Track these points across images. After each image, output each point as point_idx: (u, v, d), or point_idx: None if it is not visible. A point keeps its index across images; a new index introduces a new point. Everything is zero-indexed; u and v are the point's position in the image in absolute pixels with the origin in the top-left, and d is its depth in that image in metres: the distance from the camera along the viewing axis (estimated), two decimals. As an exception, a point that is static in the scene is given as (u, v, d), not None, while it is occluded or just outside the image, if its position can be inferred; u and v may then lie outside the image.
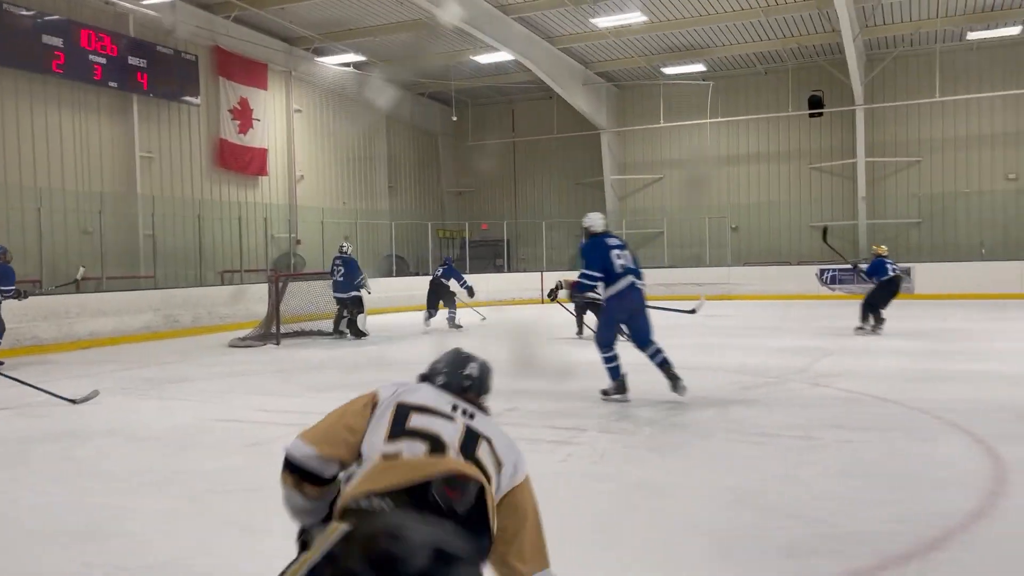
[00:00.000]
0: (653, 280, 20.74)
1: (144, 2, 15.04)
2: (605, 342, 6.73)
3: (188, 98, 16.38)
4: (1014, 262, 18.27)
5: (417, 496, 1.67)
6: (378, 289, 14.20)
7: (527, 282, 20.95)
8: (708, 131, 23.23)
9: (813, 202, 22.37)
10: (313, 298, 13.11)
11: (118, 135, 15.28)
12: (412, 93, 24.66)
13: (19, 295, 9.79)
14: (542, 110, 25.23)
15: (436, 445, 1.84)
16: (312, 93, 20.73)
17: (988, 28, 18.92)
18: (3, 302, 9.64)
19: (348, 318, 12.66)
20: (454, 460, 1.82)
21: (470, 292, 14.41)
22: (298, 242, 19.37)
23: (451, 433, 1.88)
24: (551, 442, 5.16)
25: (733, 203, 23.16)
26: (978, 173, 20.84)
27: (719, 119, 22.78)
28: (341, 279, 12.59)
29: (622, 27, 18.80)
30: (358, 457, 1.91)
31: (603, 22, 18.32)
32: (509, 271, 23.32)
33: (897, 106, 21.16)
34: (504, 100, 25.85)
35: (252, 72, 18.26)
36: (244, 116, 17.99)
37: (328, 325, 12.87)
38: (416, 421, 1.90)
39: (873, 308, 11.15)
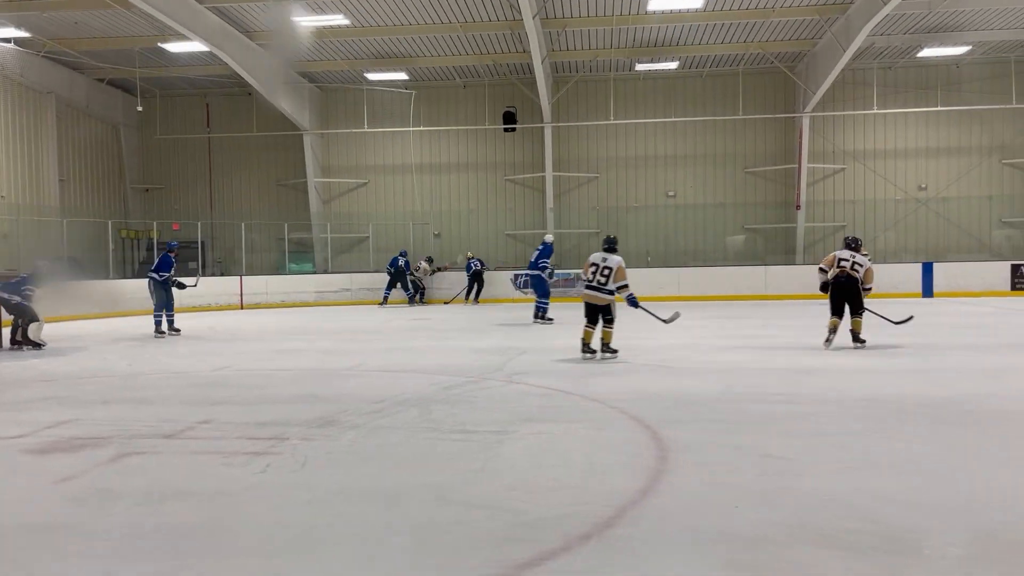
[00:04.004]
0: (359, 285, 20.71)
1: None
2: None
3: None
4: (672, 268, 20.98)
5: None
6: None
7: (225, 286, 19.82)
8: (411, 139, 23.75)
9: (508, 212, 23.84)
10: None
11: None
12: (88, 77, 22.20)
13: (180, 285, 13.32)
14: (240, 106, 24.10)
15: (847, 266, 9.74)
16: (-42, 68, 17.81)
17: (652, 62, 21.55)
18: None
19: (21, 328, 11.21)
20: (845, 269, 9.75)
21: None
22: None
23: (846, 261, 9.76)
24: (249, 454, 4.93)
25: (435, 210, 23.90)
26: (644, 190, 23.64)
27: (421, 128, 23.41)
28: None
29: (324, 28, 18.57)
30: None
31: (305, 21, 17.93)
32: (204, 275, 21.86)
33: (579, 126, 23.29)
34: (197, 92, 24.27)
35: None
36: None
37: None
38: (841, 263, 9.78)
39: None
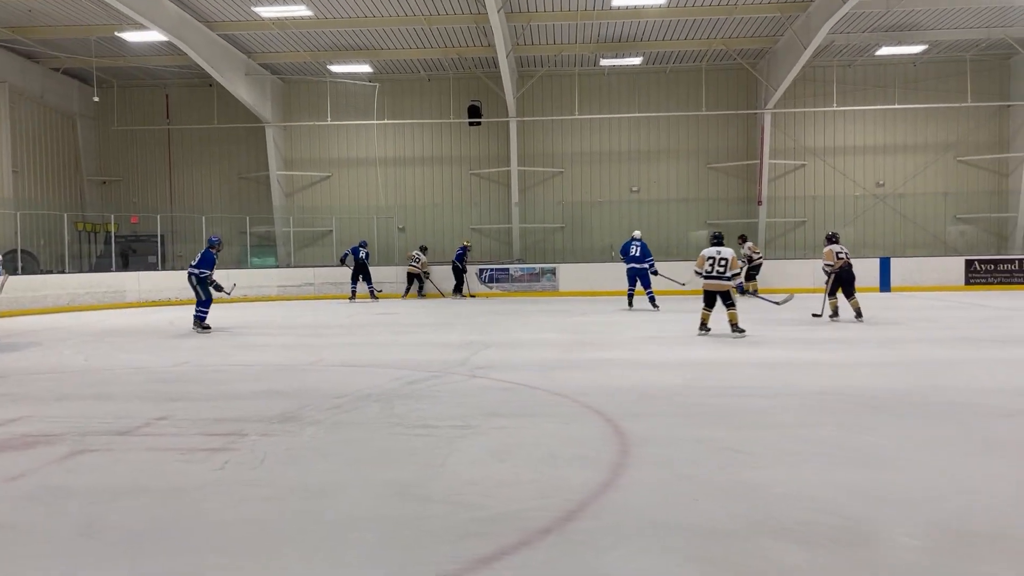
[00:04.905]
0: (323, 279, 20.58)
1: None
2: None
3: None
4: (637, 263, 21.01)
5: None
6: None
7: (185, 281, 19.45)
8: (375, 132, 23.57)
9: (473, 206, 23.78)
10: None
11: None
12: (44, 67, 21.68)
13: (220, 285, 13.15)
14: (201, 97, 23.71)
15: (845, 257, 12.10)
16: (-95, 55, 17.25)
17: (617, 57, 21.62)
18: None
19: None
20: (844, 260, 12.12)
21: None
22: None
23: (843, 253, 12.10)
24: (207, 450, 4.85)
25: (400, 204, 23.76)
26: (609, 185, 23.74)
27: (386, 121, 23.24)
28: None
29: (286, 19, 18.33)
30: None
31: (266, 12, 17.72)
32: (165, 269, 21.52)
33: (544, 120, 23.30)
34: (157, 83, 23.82)
35: None
36: None
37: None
38: (842, 256, 11.98)
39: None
